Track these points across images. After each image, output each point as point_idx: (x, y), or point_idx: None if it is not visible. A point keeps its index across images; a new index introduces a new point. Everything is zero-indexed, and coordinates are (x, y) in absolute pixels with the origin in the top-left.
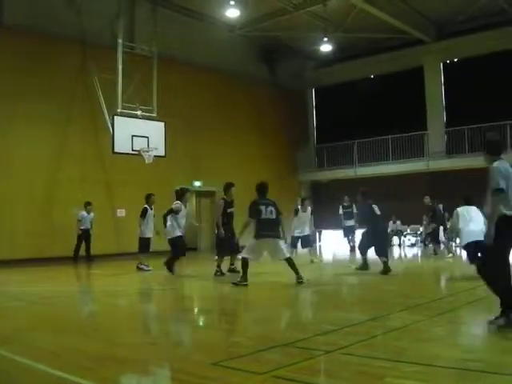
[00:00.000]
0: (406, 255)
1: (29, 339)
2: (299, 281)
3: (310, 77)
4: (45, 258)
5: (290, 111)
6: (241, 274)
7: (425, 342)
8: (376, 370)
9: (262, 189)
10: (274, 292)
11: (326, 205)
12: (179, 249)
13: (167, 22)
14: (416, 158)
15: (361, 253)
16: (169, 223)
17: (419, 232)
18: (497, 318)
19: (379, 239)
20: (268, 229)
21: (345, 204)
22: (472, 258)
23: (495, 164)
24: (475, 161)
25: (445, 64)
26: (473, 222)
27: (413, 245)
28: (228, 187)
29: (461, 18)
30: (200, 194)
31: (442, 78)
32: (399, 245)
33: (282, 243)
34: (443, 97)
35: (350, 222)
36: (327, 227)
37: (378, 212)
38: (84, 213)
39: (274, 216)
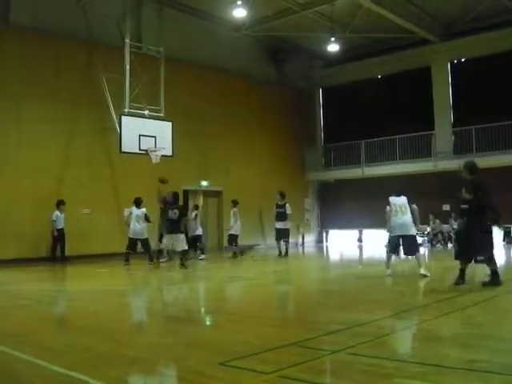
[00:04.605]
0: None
1: (36, 338)
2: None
3: (317, 76)
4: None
5: (298, 111)
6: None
7: (433, 342)
8: (383, 370)
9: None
10: (279, 292)
11: (333, 204)
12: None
13: (174, 22)
14: (423, 158)
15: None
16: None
17: (426, 232)
18: None
19: None
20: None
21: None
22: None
23: None
24: (483, 161)
25: (452, 64)
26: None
27: (420, 245)
28: None
29: (468, 18)
30: (207, 193)
31: (450, 78)
32: None
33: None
34: (450, 97)
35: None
36: (334, 227)
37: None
38: (58, 212)
39: None
